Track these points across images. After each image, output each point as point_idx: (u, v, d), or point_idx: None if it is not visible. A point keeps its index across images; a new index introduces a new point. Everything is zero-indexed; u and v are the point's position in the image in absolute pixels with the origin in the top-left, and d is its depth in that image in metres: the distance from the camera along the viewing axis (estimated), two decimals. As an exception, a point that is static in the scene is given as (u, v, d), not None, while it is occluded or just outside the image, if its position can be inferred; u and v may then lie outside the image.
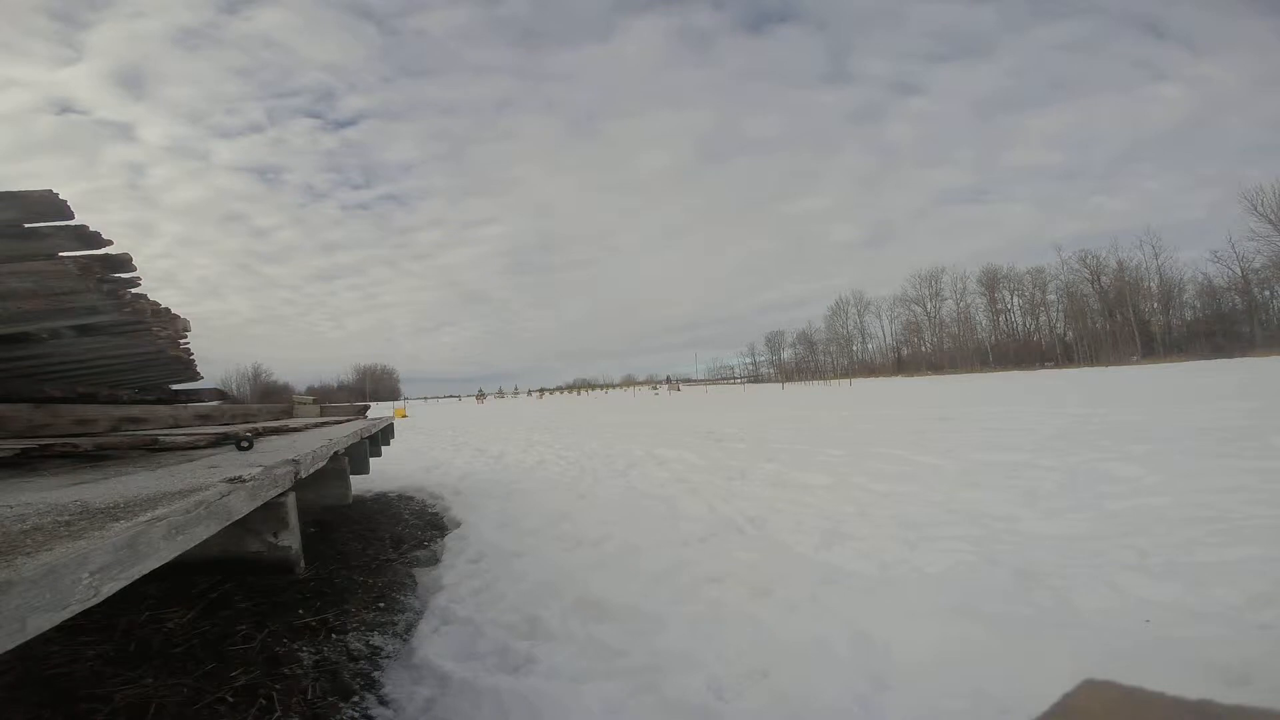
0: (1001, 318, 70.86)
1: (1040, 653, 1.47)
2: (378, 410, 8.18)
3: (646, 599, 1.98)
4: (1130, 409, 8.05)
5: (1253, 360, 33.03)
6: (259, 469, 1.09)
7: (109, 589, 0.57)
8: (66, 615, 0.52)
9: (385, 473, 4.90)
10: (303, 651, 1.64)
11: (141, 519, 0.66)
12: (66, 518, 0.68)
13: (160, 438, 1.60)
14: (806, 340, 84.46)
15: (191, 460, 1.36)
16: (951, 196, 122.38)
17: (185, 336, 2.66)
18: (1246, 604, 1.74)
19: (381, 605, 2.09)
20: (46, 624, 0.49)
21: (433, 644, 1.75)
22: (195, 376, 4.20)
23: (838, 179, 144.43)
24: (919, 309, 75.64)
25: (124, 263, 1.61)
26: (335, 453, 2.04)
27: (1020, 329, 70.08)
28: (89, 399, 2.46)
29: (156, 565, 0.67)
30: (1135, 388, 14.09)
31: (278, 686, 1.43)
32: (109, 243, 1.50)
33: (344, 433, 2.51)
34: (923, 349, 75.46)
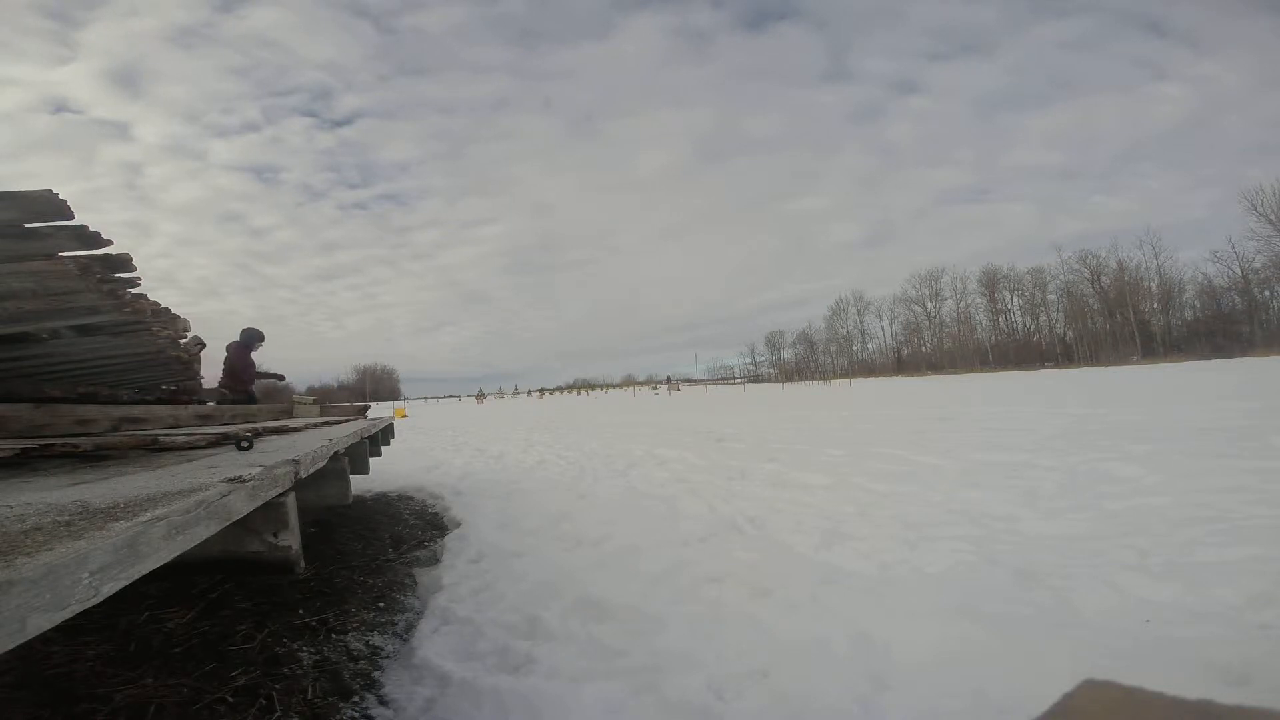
0: (1001, 318, 70.88)
1: (1040, 653, 1.47)
2: (378, 410, 8.17)
3: (646, 599, 1.98)
4: (1130, 409, 8.04)
5: (1253, 360, 33.02)
6: (259, 469, 1.09)
7: (109, 589, 0.57)
8: (66, 615, 0.52)
9: (385, 473, 4.90)
10: (303, 651, 1.64)
11: (141, 519, 0.66)
12: (66, 518, 0.68)
13: (160, 438, 1.60)
14: (806, 340, 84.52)
15: (191, 460, 1.35)
16: (952, 196, 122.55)
17: (185, 336, 2.66)
18: (1246, 604, 1.74)
19: (381, 605, 2.09)
20: (46, 624, 0.49)
21: (433, 644, 1.75)
22: (195, 376, 4.20)
23: (838, 179, 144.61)
24: (919, 309, 75.69)
25: (124, 263, 1.62)
26: (335, 453, 2.03)
27: (1020, 329, 70.10)
28: (89, 399, 2.46)
29: (156, 565, 0.66)
30: (1135, 388, 14.09)
31: (278, 686, 1.43)
32: (109, 243, 1.50)
33: (344, 433, 2.51)
34: (923, 349, 75.47)
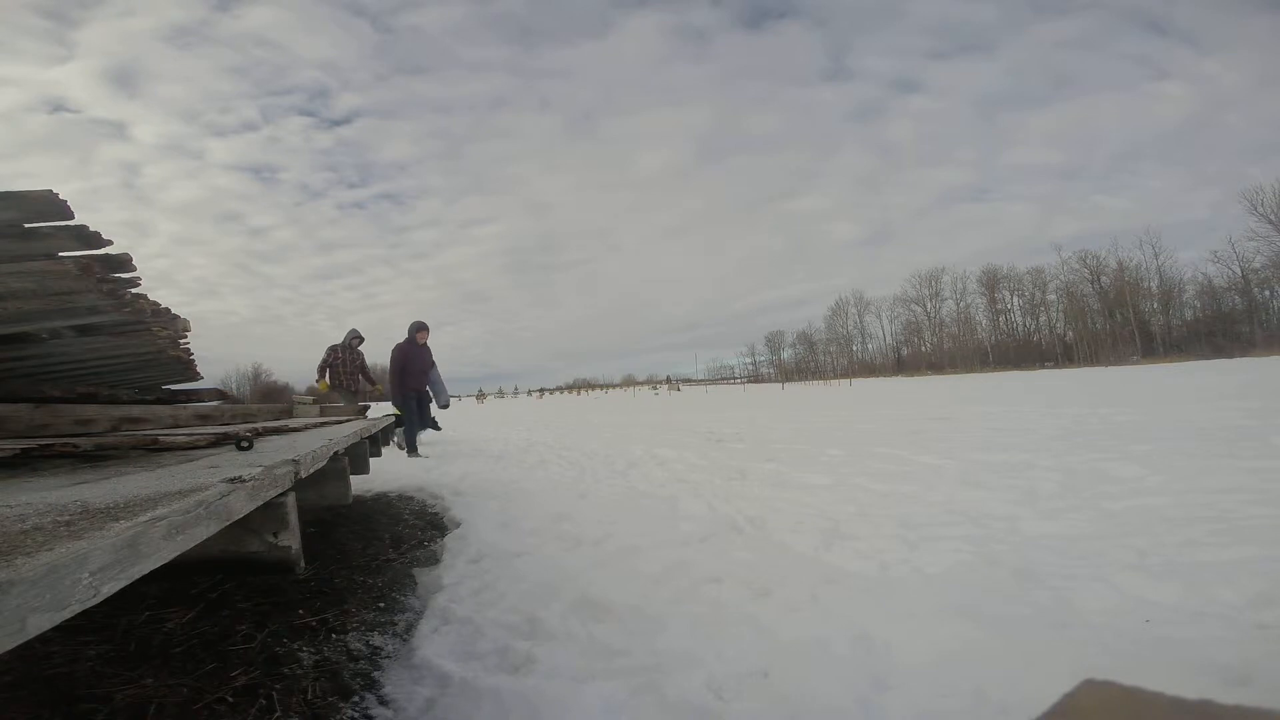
0: (1001, 318, 70.95)
1: (1040, 653, 1.47)
2: (378, 410, 8.18)
3: (646, 599, 1.98)
4: (1130, 409, 8.04)
5: (1253, 360, 33.03)
6: (259, 469, 1.09)
7: (109, 589, 0.57)
8: (66, 615, 0.52)
9: (385, 473, 4.90)
10: (303, 651, 1.63)
11: (141, 519, 0.66)
12: (66, 518, 0.68)
13: (160, 438, 1.60)
14: (806, 340, 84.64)
15: (191, 460, 1.35)
16: (952, 196, 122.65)
17: (185, 336, 2.67)
18: (1246, 604, 1.73)
19: (381, 605, 2.09)
20: (46, 624, 0.49)
21: (433, 644, 1.75)
22: (195, 376, 4.21)
23: (838, 178, 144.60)
24: (919, 309, 75.79)
25: (124, 263, 1.62)
26: (335, 453, 2.04)
27: (1020, 329, 70.17)
28: (89, 399, 2.46)
29: (156, 565, 0.67)
30: (1135, 388, 14.09)
31: (278, 686, 1.43)
32: (109, 243, 1.50)
33: (344, 433, 2.52)
34: (923, 349, 75.53)
